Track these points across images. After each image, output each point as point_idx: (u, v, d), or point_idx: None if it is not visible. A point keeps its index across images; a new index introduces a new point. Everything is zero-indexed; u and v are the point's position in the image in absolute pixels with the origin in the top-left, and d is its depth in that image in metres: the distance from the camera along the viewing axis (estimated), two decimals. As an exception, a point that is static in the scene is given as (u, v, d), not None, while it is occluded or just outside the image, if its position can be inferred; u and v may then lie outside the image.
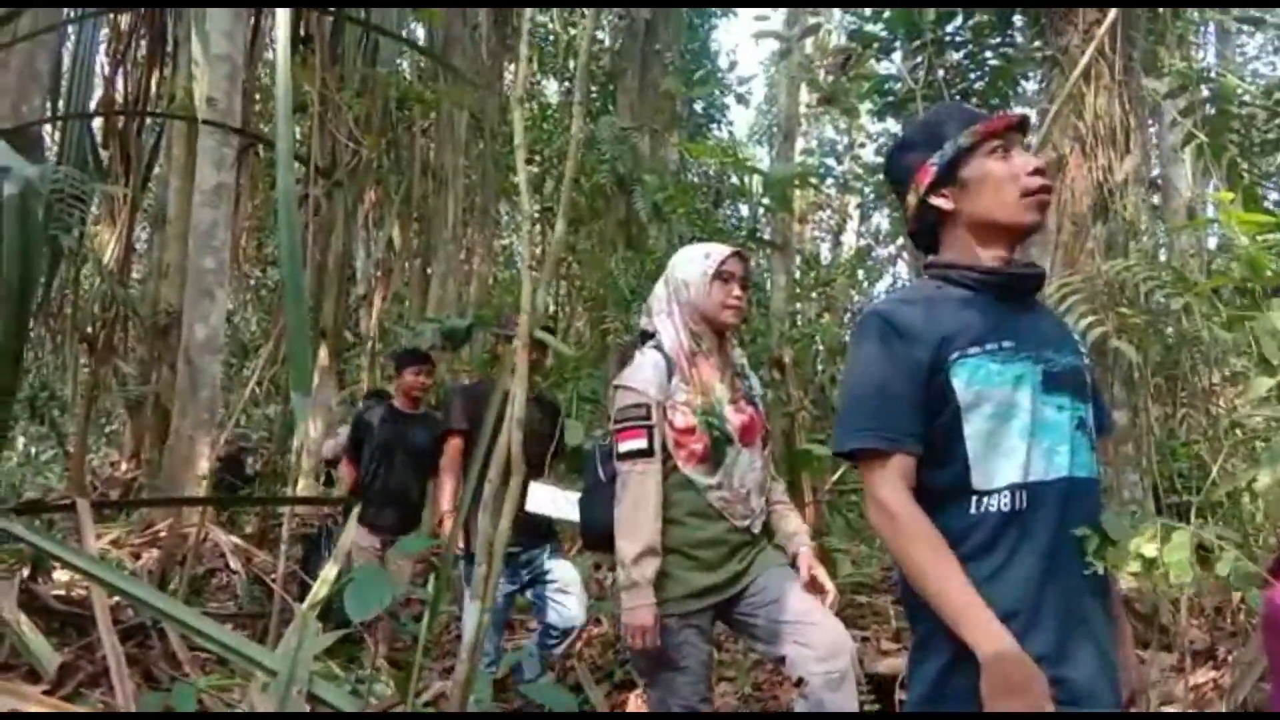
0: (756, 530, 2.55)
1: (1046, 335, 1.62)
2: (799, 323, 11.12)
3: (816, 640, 2.36)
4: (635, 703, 4.22)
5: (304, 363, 2.12)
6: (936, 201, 1.63)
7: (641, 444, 2.45)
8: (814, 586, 2.54)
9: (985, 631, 1.42)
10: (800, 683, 2.38)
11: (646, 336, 2.67)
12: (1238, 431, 3.91)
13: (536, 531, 3.85)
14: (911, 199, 1.65)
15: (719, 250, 2.64)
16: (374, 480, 4.79)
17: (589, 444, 6.40)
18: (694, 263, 2.62)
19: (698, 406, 2.47)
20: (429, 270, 10.89)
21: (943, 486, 1.56)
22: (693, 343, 2.57)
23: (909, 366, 1.55)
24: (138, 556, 4.96)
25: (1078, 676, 1.48)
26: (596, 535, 2.69)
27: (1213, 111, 4.27)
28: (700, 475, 2.47)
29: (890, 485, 1.53)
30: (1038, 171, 1.59)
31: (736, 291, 2.60)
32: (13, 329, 1.82)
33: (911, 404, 1.55)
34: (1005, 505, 1.52)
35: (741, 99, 14.51)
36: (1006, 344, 1.56)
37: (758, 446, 2.58)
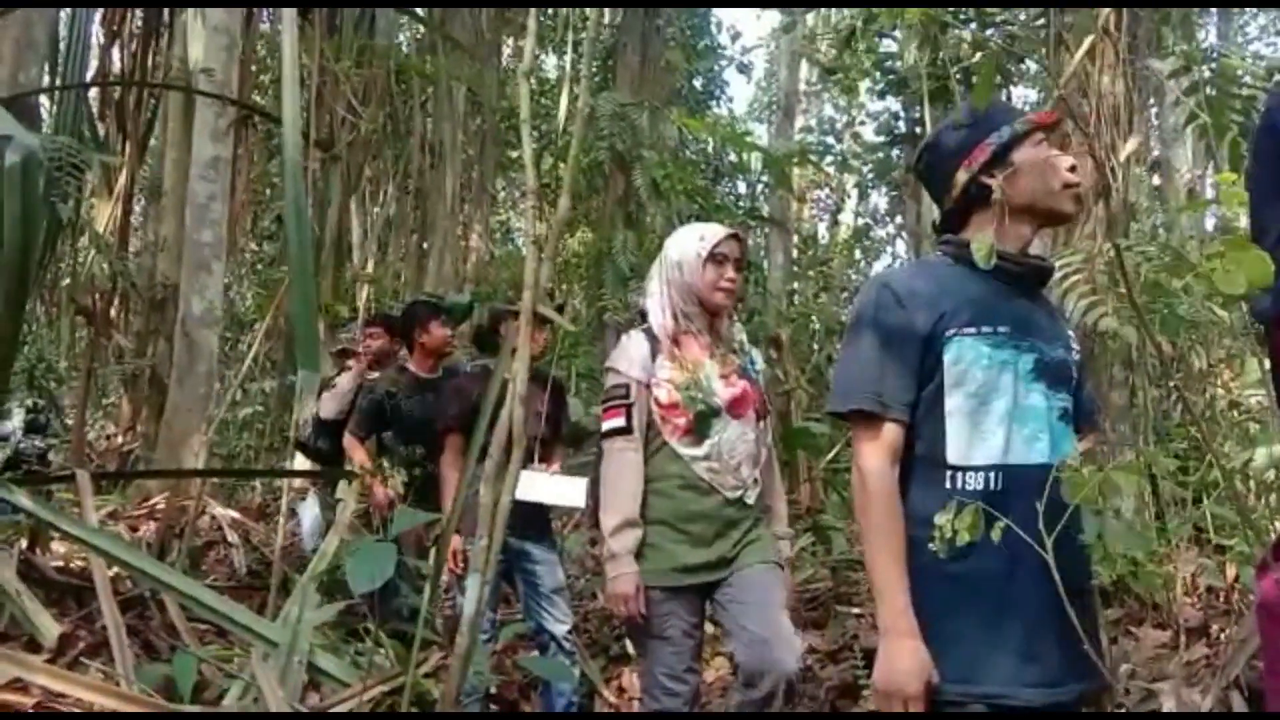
0: (750, 501, 2.60)
1: (1041, 326, 1.68)
2: (796, 302, 11.13)
3: (754, 659, 2.43)
4: (630, 677, 4.25)
5: (311, 340, 2.13)
6: (987, 180, 1.66)
7: (620, 422, 2.55)
8: None
9: (893, 617, 1.51)
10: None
11: (644, 316, 2.73)
12: (1234, 413, 3.92)
13: (527, 522, 3.51)
14: (962, 176, 1.68)
15: (714, 232, 2.68)
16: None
17: (588, 421, 6.36)
18: (689, 244, 2.67)
19: (681, 383, 2.53)
20: (425, 245, 10.86)
21: (920, 457, 1.61)
22: (681, 322, 2.63)
23: (907, 336, 1.60)
24: (135, 529, 4.96)
25: (1043, 667, 1.52)
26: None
27: (1214, 92, 4.25)
28: (687, 448, 2.53)
29: (873, 451, 1.59)
30: (1072, 168, 1.67)
31: (730, 273, 2.65)
32: (13, 298, 1.81)
33: (906, 372, 1.60)
34: (980, 485, 1.56)
35: (744, 68, 14.45)
36: (1002, 329, 1.61)
37: (750, 419, 2.62)
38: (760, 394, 2.70)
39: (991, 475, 1.56)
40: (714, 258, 2.62)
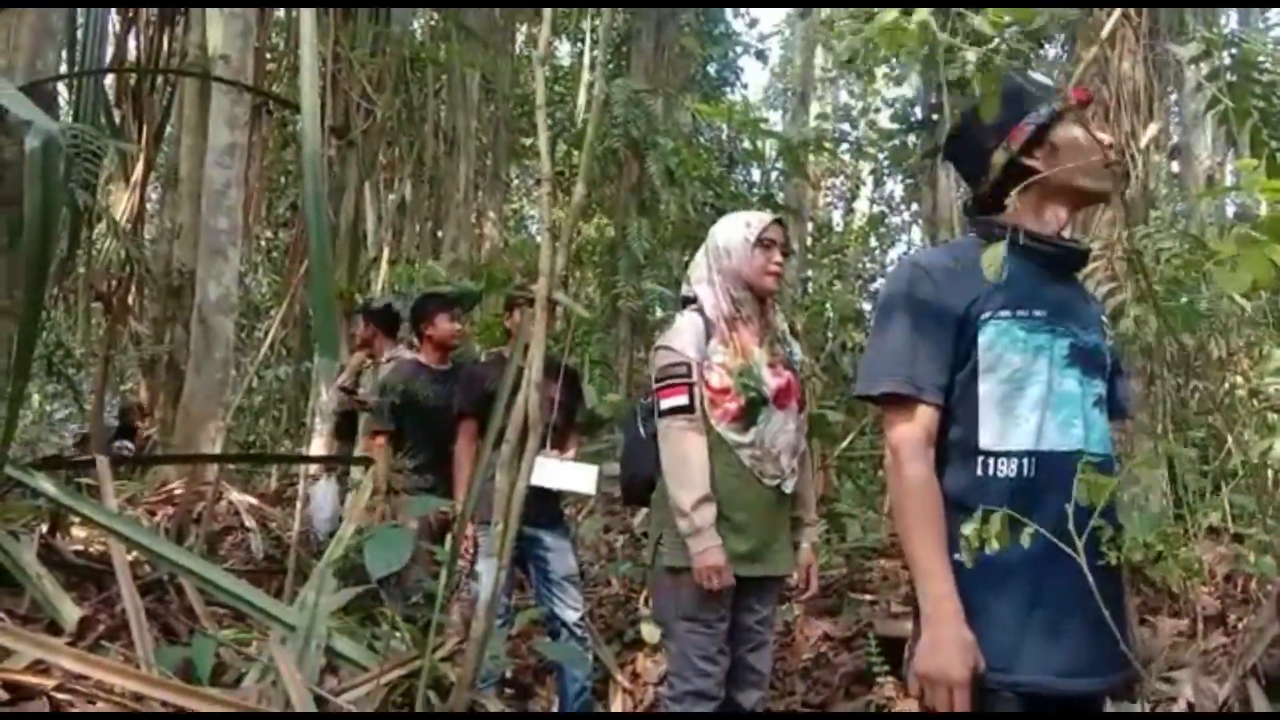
0: (788, 490, 2.65)
1: (1076, 311, 1.64)
2: (810, 290, 11.08)
3: (747, 699, 2.65)
4: (644, 662, 4.27)
5: (330, 329, 2.13)
6: (1027, 161, 1.62)
7: (683, 400, 2.57)
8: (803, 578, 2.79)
9: (937, 602, 1.47)
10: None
11: (687, 302, 2.77)
12: (1254, 401, 3.88)
13: (540, 508, 3.46)
14: (999, 158, 1.64)
15: (760, 218, 2.74)
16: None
17: (603, 409, 6.36)
18: (736, 230, 2.71)
19: (734, 368, 2.57)
20: (439, 234, 10.86)
21: (953, 442, 1.58)
22: (733, 308, 2.67)
23: (940, 318, 1.56)
24: (153, 514, 5.00)
25: (1076, 655, 1.50)
26: (635, 488, 2.86)
27: (1235, 78, 4.20)
28: (733, 434, 2.57)
29: (907, 434, 1.55)
30: (1110, 146, 1.62)
31: (777, 258, 2.70)
32: (33, 284, 1.82)
33: (939, 355, 1.56)
34: (1013, 471, 1.53)
35: (760, 55, 14.37)
36: (1038, 313, 1.57)
37: (792, 409, 2.67)
38: (801, 385, 2.74)
39: (1025, 461, 1.53)
40: (761, 243, 2.67)
